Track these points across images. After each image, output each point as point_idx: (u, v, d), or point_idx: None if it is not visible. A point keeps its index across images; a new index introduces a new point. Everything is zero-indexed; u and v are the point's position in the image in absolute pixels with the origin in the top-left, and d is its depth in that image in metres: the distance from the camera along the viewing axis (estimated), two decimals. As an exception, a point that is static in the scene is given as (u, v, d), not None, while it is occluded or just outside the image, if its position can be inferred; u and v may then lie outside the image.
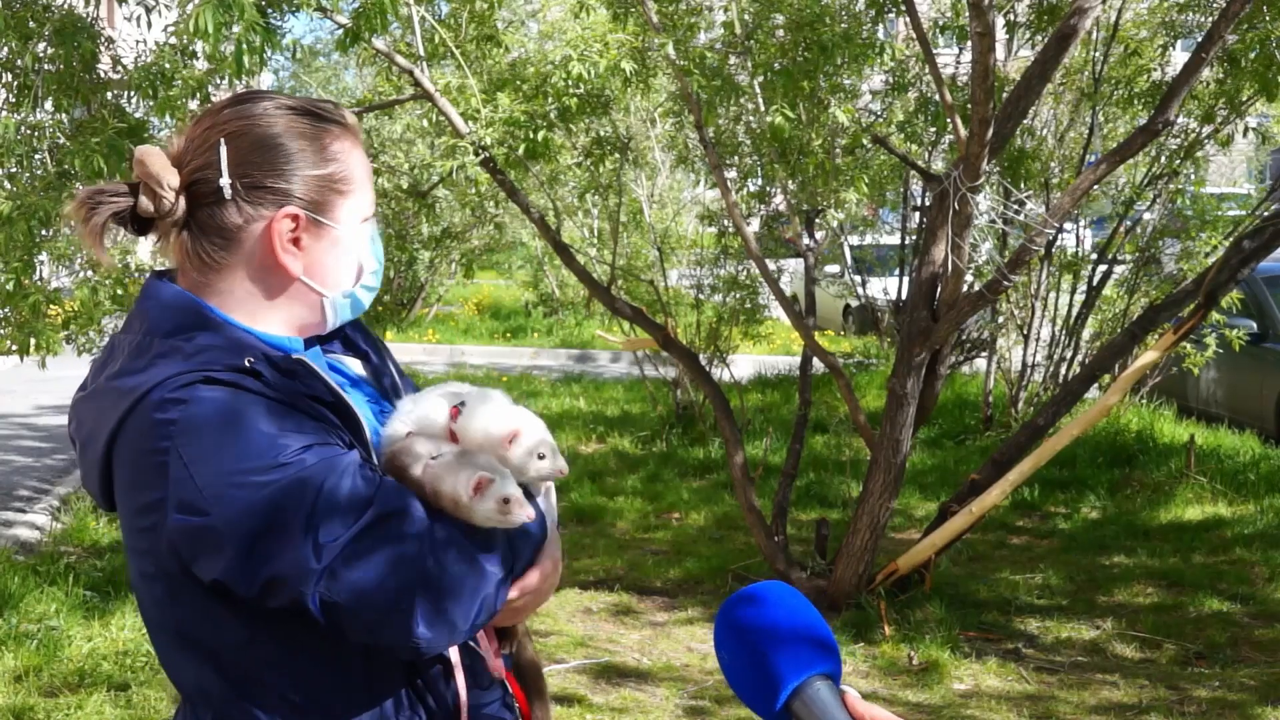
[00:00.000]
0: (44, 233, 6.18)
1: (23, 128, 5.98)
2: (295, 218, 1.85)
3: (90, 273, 6.49)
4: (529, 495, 1.83)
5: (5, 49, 6.20)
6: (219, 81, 6.38)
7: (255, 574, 1.68)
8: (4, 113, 6.33)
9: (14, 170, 6.13)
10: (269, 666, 1.81)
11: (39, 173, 6.05)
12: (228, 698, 1.84)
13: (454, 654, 1.87)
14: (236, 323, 1.85)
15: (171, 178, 1.84)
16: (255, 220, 1.84)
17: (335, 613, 1.69)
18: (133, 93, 6.36)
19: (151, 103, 6.00)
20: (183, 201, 1.85)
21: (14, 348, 6.46)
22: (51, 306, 6.39)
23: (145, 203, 1.85)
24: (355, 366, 2.05)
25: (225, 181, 1.82)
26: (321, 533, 1.67)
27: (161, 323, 1.83)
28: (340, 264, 1.90)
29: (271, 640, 1.79)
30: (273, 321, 1.89)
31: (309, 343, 1.96)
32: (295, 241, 1.86)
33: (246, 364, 1.74)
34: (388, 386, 2.04)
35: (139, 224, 1.88)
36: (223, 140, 1.84)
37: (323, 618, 1.70)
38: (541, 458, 1.82)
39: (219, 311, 1.85)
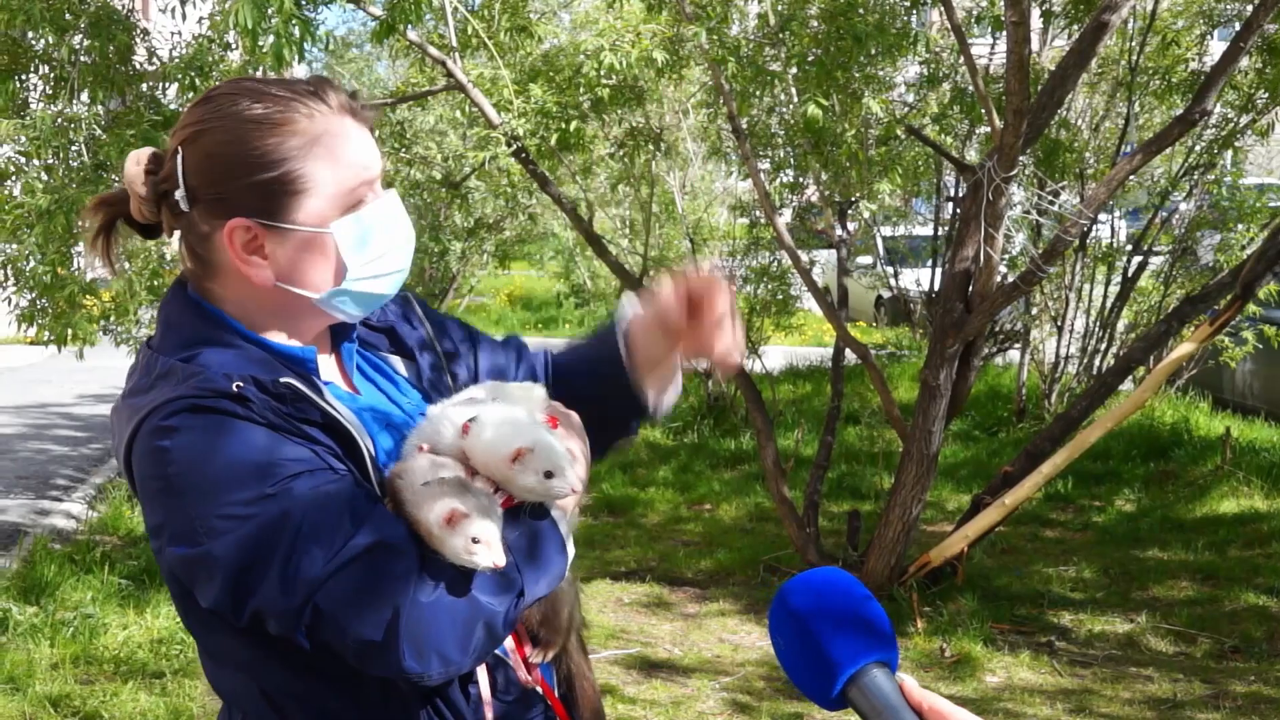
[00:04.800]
0: (81, 223, 6.23)
1: (59, 119, 6.02)
2: (248, 227, 1.76)
3: (126, 264, 6.52)
4: (543, 512, 1.76)
5: (42, 41, 6.24)
6: (254, 72, 6.41)
7: (243, 605, 1.65)
8: (41, 105, 6.38)
9: (51, 162, 6.18)
10: (282, 684, 1.78)
11: (75, 165, 6.09)
12: (260, 710, 1.82)
13: (480, 669, 1.82)
14: (247, 330, 1.80)
15: (140, 187, 1.80)
16: (216, 230, 1.77)
17: (323, 645, 1.65)
18: (168, 84, 6.39)
19: (189, 95, 6.02)
20: (165, 209, 1.81)
21: (51, 338, 6.51)
22: (88, 298, 6.44)
23: (135, 209, 1.83)
24: (400, 366, 1.99)
25: (180, 194, 1.77)
26: (303, 566, 1.61)
27: (167, 338, 1.80)
28: (317, 265, 1.78)
29: (279, 660, 1.75)
30: (278, 330, 1.82)
31: (340, 338, 1.92)
32: (259, 250, 1.77)
33: (235, 389, 1.66)
34: (444, 385, 1.97)
35: (144, 228, 1.87)
36: (179, 148, 1.78)
37: (311, 649, 1.66)
38: (550, 476, 1.70)
39: (229, 318, 1.80)
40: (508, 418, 1.75)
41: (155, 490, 1.69)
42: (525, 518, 1.74)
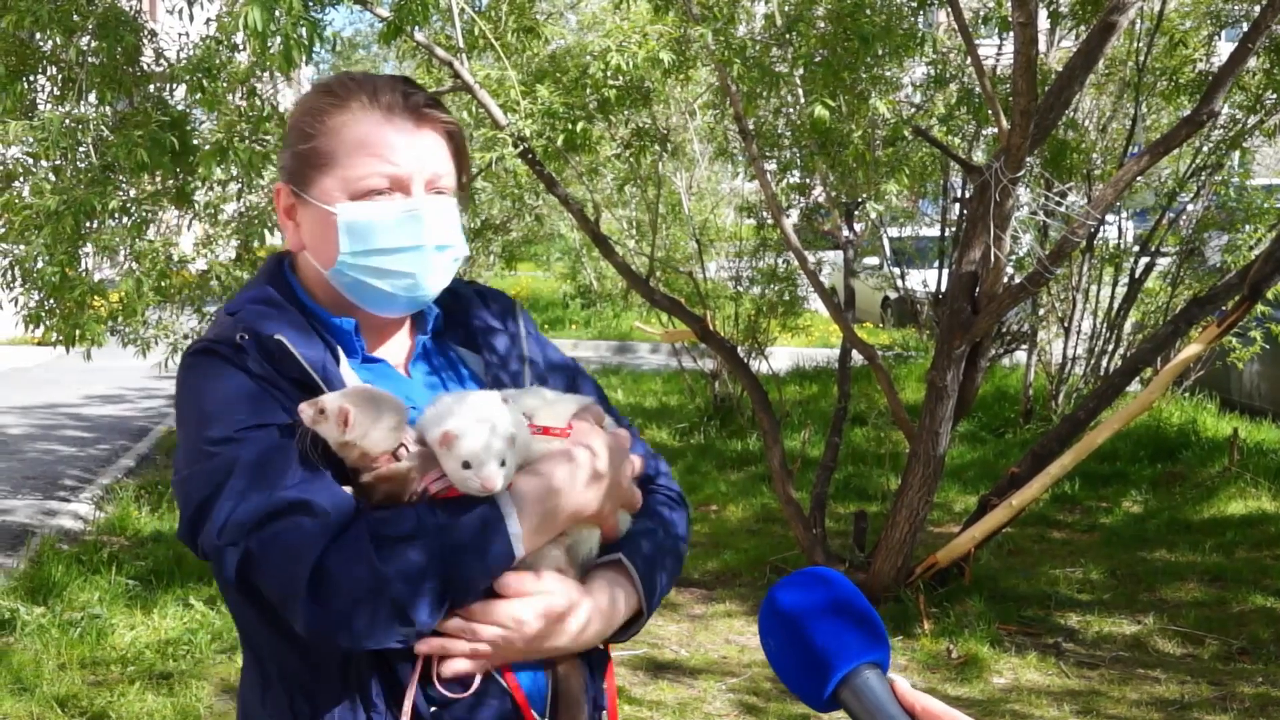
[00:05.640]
0: (89, 224, 6.24)
1: (67, 121, 6.03)
2: (286, 192, 1.96)
3: (134, 264, 6.53)
4: (492, 505, 1.77)
5: (50, 43, 6.25)
6: (261, 74, 6.41)
7: (195, 538, 1.78)
8: (49, 106, 6.39)
9: (59, 163, 6.19)
10: (262, 639, 1.88)
11: (83, 166, 6.10)
12: (248, 661, 1.95)
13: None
14: (304, 296, 1.96)
15: None
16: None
17: (253, 588, 1.76)
18: (175, 85, 6.40)
19: (196, 95, 6.03)
20: None
21: (59, 339, 6.52)
22: (96, 298, 6.45)
23: None
24: (474, 362, 2.05)
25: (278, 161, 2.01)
26: (239, 510, 1.72)
27: (239, 293, 1.97)
28: (328, 240, 1.91)
29: (256, 614, 1.84)
30: (331, 303, 1.96)
31: (415, 327, 2.03)
32: (293, 214, 1.96)
33: (238, 339, 1.82)
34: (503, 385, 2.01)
35: None
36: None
37: (241, 590, 1.78)
38: (467, 467, 1.72)
39: (295, 283, 1.97)
40: (460, 402, 1.80)
41: (176, 415, 1.90)
42: (466, 506, 1.77)
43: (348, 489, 1.78)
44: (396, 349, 2.02)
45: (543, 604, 1.82)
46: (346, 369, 1.89)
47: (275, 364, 1.82)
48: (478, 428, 1.73)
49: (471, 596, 1.78)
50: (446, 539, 1.73)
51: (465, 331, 2.06)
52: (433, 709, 1.81)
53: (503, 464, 1.74)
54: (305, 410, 1.75)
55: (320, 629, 1.71)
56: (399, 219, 1.90)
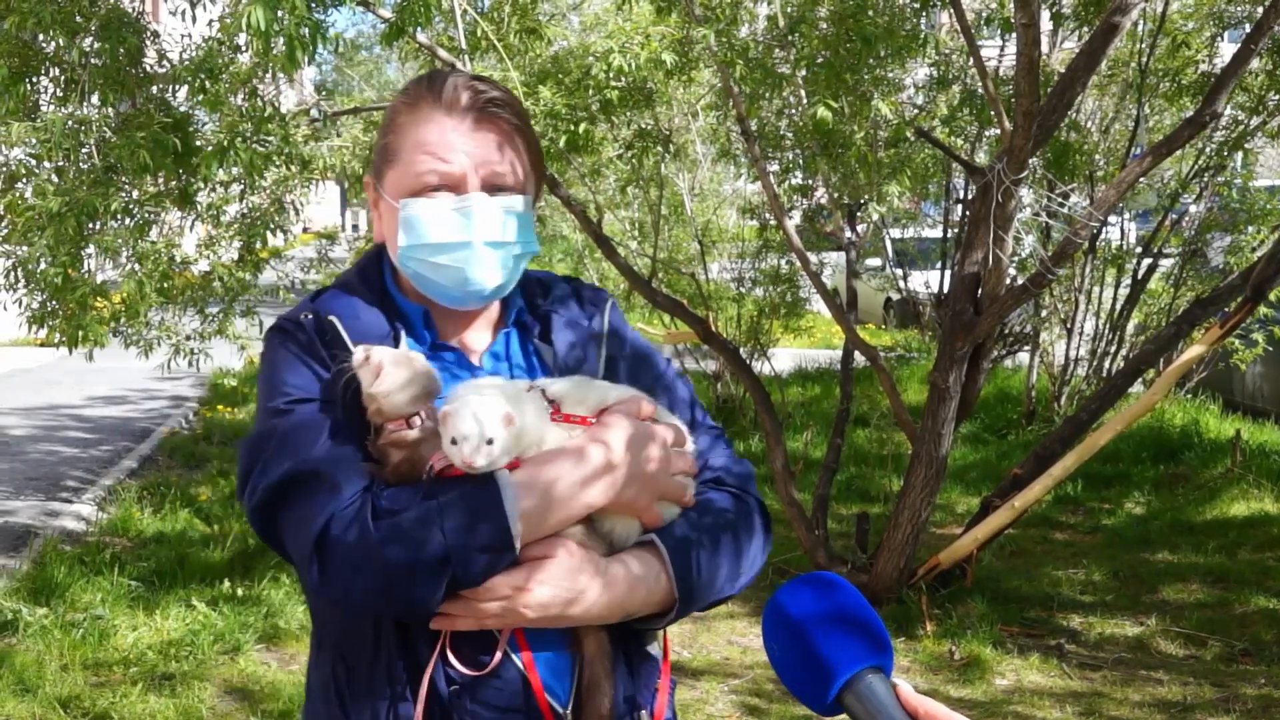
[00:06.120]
0: (92, 225, 6.24)
1: (70, 122, 6.03)
2: (371, 185, 2.08)
3: (137, 266, 6.53)
4: (483, 481, 1.80)
5: (52, 44, 6.25)
6: (263, 75, 6.42)
7: (241, 498, 1.91)
8: (52, 107, 6.39)
9: (62, 165, 6.19)
10: (311, 599, 2.03)
11: (86, 167, 6.10)
12: (313, 618, 2.07)
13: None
14: (390, 283, 2.07)
15: None
16: None
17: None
18: (178, 86, 6.40)
19: (199, 97, 6.03)
20: None
21: (62, 340, 6.52)
22: (98, 300, 6.45)
23: None
24: (549, 356, 2.09)
25: None
26: (266, 476, 1.84)
27: (337, 278, 2.12)
28: (392, 232, 2.01)
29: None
30: (405, 285, 2.06)
31: (503, 319, 2.09)
32: (376, 206, 2.07)
33: (301, 318, 1.97)
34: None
35: None
36: None
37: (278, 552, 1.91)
38: (454, 444, 1.79)
39: (386, 269, 2.08)
40: (468, 386, 1.89)
41: None
42: (464, 484, 1.80)
43: (368, 465, 1.86)
44: (476, 339, 2.09)
45: (543, 569, 1.84)
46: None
47: (327, 343, 1.93)
48: (466, 409, 1.79)
49: (470, 573, 1.78)
50: (442, 515, 1.77)
51: (545, 325, 2.11)
52: (452, 688, 1.84)
53: (489, 443, 1.78)
54: (358, 353, 1.87)
55: (323, 593, 1.82)
56: (446, 215, 1.97)
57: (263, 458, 1.86)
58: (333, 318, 1.95)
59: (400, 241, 1.98)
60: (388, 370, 1.84)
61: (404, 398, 1.85)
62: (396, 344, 1.95)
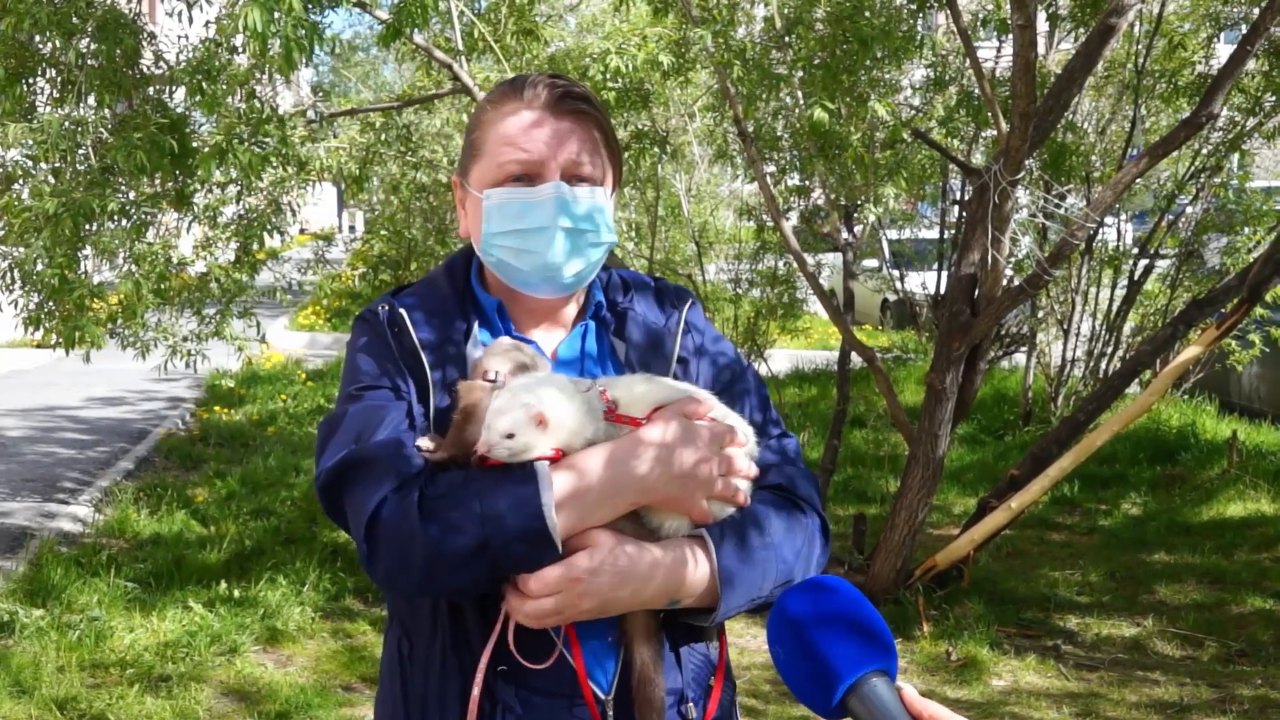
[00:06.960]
0: (88, 227, 6.23)
1: (67, 123, 6.03)
2: (457, 183, 2.15)
3: (134, 267, 6.53)
4: (517, 470, 1.85)
5: (49, 45, 6.25)
6: (260, 76, 6.41)
7: (317, 476, 1.98)
8: (48, 108, 6.38)
9: (58, 166, 6.19)
10: (390, 597, 2.12)
11: (82, 168, 6.10)
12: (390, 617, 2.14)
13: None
14: (473, 278, 2.14)
15: None
16: None
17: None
18: (175, 88, 6.40)
19: (196, 98, 6.03)
20: None
21: (58, 341, 6.52)
22: (95, 301, 6.45)
23: None
24: (622, 351, 2.13)
25: None
26: (330, 458, 1.92)
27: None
28: (476, 223, 2.09)
29: None
30: (489, 280, 2.13)
31: (582, 314, 2.14)
32: (463, 204, 2.15)
33: (379, 309, 2.05)
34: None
35: None
36: None
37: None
38: (499, 439, 1.85)
39: (473, 265, 2.15)
40: (524, 384, 1.91)
41: None
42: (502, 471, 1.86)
43: (423, 452, 1.91)
44: (553, 332, 2.14)
45: (588, 556, 1.86)
46: (474, 344, 2.04)
47: (397, 334, 2.02)
48: (500, 403, 1.86)
49: (509, 558, 1.82)
50: (481, 503, 1.83)
51: (621, 321, 2.15)
52: (500, 668, 1.90)
53: (509, 437, 1.83)
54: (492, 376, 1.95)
55: (370, 574, 1.89)
56: (528, 202, 2.03)
57: (329, 442, 1.95)
58: (402, 310, 2.04)
59: (485, 229, 2.05)
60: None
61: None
62: (467, 336, 2.04)
